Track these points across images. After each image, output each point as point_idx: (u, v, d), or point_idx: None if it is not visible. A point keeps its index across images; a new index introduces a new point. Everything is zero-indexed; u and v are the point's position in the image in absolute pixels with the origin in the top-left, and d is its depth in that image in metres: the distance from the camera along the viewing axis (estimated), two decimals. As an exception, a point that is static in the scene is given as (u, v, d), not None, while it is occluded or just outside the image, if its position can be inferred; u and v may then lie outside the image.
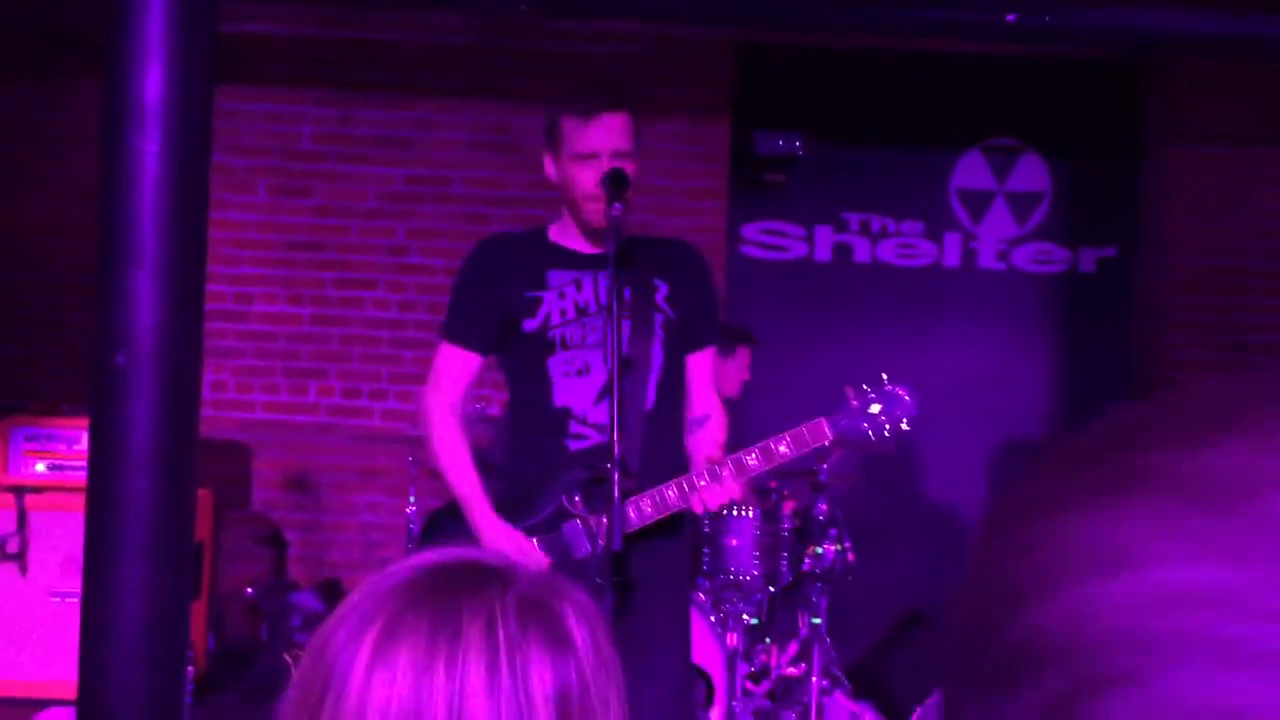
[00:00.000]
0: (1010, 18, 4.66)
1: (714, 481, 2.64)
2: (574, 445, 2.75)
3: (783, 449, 2.68)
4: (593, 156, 2.70)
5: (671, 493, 2.67)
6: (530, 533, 2.74)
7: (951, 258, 5.62)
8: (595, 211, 2.71)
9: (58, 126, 5.14)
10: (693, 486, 2.66)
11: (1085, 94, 5.57)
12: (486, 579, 0.91)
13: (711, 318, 2.91)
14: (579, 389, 2.76)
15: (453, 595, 0.89)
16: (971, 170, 5.62)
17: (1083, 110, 5.59)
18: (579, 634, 0.91)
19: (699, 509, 2.68)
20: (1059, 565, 0.43)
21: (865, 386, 2.78)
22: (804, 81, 5.52)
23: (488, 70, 5.35)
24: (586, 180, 2.71)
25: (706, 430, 2.84)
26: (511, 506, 2.75)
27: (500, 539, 2.69)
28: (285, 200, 5.34)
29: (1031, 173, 5.63)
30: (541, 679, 0.87)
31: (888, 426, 2.76)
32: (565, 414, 2.75)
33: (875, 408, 2.75)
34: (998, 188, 5.63)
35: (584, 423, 2.75)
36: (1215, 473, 0.42)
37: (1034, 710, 0.42)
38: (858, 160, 5.56)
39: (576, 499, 2.73)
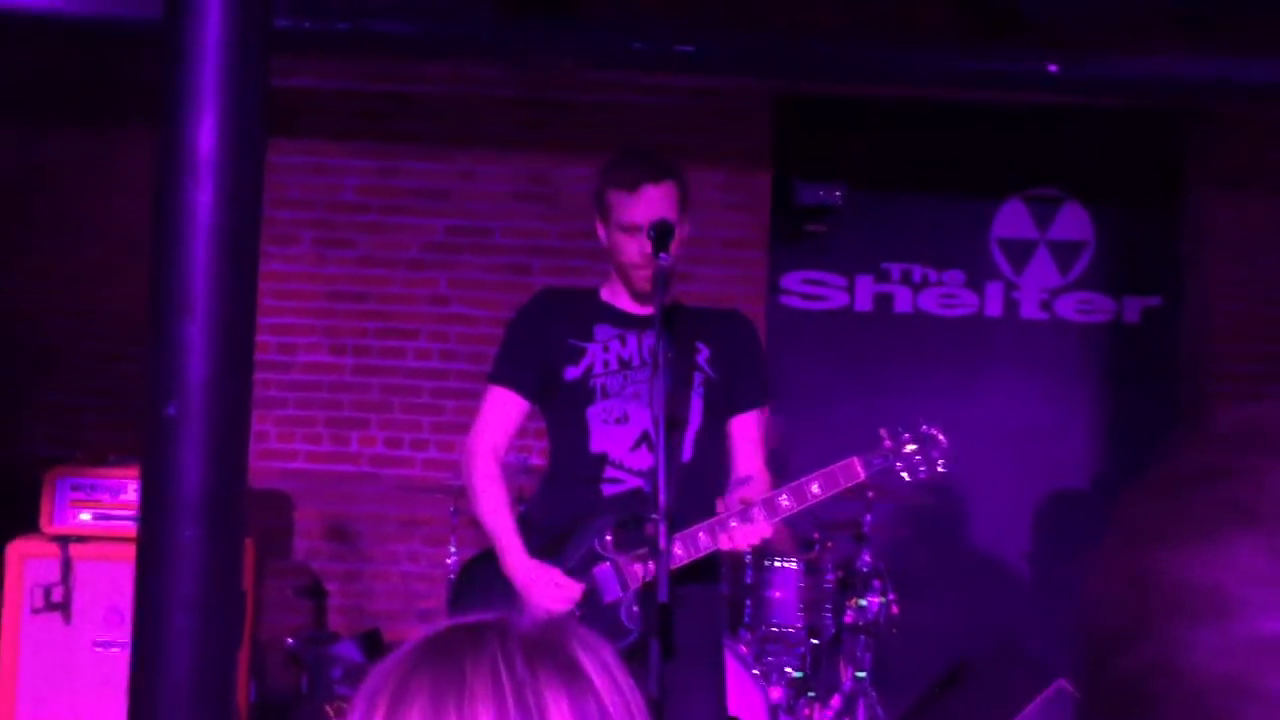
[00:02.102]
0: (1052, 68, 4.66)
1: (744, 522, 2.64)
2: (609, 490, 2.77)
3: (815, 489, 2.68)
4: (636, 229, 2.77)
5: (703, 535, 2.66)
6: (565, 574, 2.74)
7: (994, 307, 5.59)
8: (641, 278, 2.79)
9: (107, 174, 5.22)
10: (723, 526, 2.65)
11: (1126, 141, 5.55)
12: (484, 632, 0.92)
13: (757, 381, 2.93)
14: (616, 436, 2.78)
15: (453, 652, 0.90)
16: (1013, 219, 5.60)
17: (1124, 158, 5.57)
18: (592, 668, 0.91)
19: (727, 546, 2.66)
20: (1162, 606, 0.44)
21: (899, 428, 2.78)
22: (845, 131, 5.53)
23: (528, 122, 5.39)
24: (631, 251, 2.78)
25: (749, 487, 2.83)
26: (545, 551, 2.76)
27: (534, 579, 2.70)
28: (328, 251, 5.39)
29: (1074, 221, 5.60)
30: (559, 713, 0.86)
31: (922, 467, 2.75)
32: (602, 459, 2.78)
33: (910, 448, 2.74)
34: (1039, 237, 5.61)
35: (620, 468, 2.77)
36: None
37: None
38: (898, 210, 5.56)
39: (608, 540, 2.73)
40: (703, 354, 2.86)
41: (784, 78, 5.10)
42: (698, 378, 2.83)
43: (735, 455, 2.88)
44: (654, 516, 2.52)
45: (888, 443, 2.76)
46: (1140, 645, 0.44)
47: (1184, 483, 0.46)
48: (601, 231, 2.87)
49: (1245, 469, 0.44)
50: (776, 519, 2.68)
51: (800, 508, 2.69)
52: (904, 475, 2.75)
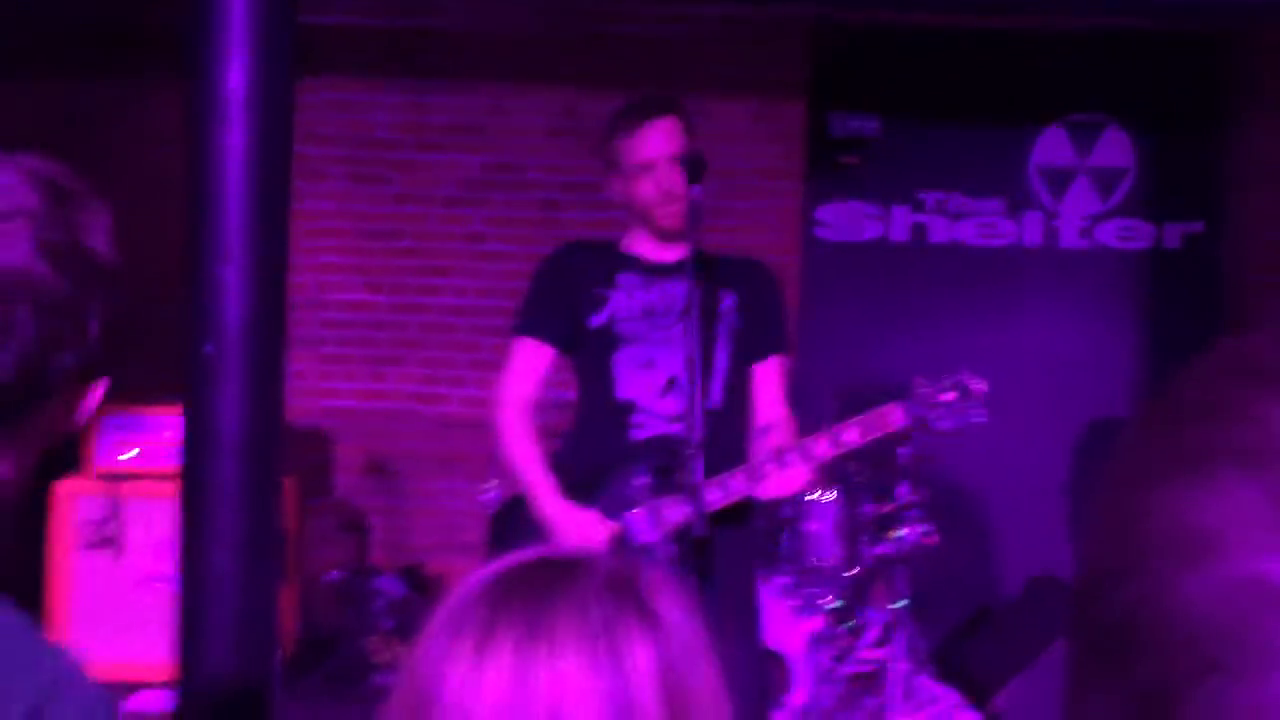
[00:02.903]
0: (1090, -10, 4.56)
1: (781, 468, 2.63)
2: (636, 435, 2.78)
3: (849, 436, 2.66)
4: (649, 166, 2.78)
5: (738, 480, 2.66)
6: (600, 513, 2.76)
7: (1032, 236, 5.53)
8: (664, 215, 2.79)
9: (136, 122, 5.23)
10: (760, 473, 2.65)
11: (1168, 66, 5.44)
12: (570, 569, 0.93)
13: (778, 329, 2.94)
14: (644, 381, 2.79)
15: (541, 589, 0.90)
16: (1052, 146, 5.52)
17: (1166, 83, 5.46)
18: (669, 611, 0.92)
19: (764, 493, 2.67)
20: (1152, 546, 0.43)
21: (940, 376, 2.76)
22: (879, 61, 5.45)
23: (557, 57, 5.35)
24: (648, 189, 2.79)
25: (771, 436, 2.85)
26: (576, 494, 2.78)
27: (571, 522, 2.71)
28: (362, 189, 5.40)
29: (1115, 148, 5.52)
30: (643, 655, 0.88)
31: (960, 416, 2.73)
32: (629, 406, 2.79)
33: (947, 395, 2.72)
34: (1079, 164, 5.53)
35: (648, 413, 2.78)
36: None
37: (1137, 691, 0.43)
38: (934, 139, 5.49)
39: (643, 483, 2.74)
40: (727, 301, 2.87)
41: (818, 4, 5.02)
42: (722, 325, 2.84)
43: (758, 402, 2.90)
44: (689, 451, 2.53)
45: (925, 389, 2.73)
46: (1129, 584, 0.44)
47: (1181, 418, 0.45)
48: (616, 186, 2.88)
49: (1243, 406, 0.43)
50: (812, 465, 2.68)
51: (836, 454, 2.69)
52: (941, 424, 2.73)
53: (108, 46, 5.28)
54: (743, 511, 2.78)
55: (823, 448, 2.66)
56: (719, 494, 2.65)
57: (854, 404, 2.88)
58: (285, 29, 2.53)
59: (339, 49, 5.32)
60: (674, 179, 2.77)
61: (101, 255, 0.88)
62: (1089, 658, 0.45)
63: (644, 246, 2.89)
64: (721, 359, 2.83)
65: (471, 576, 0.93)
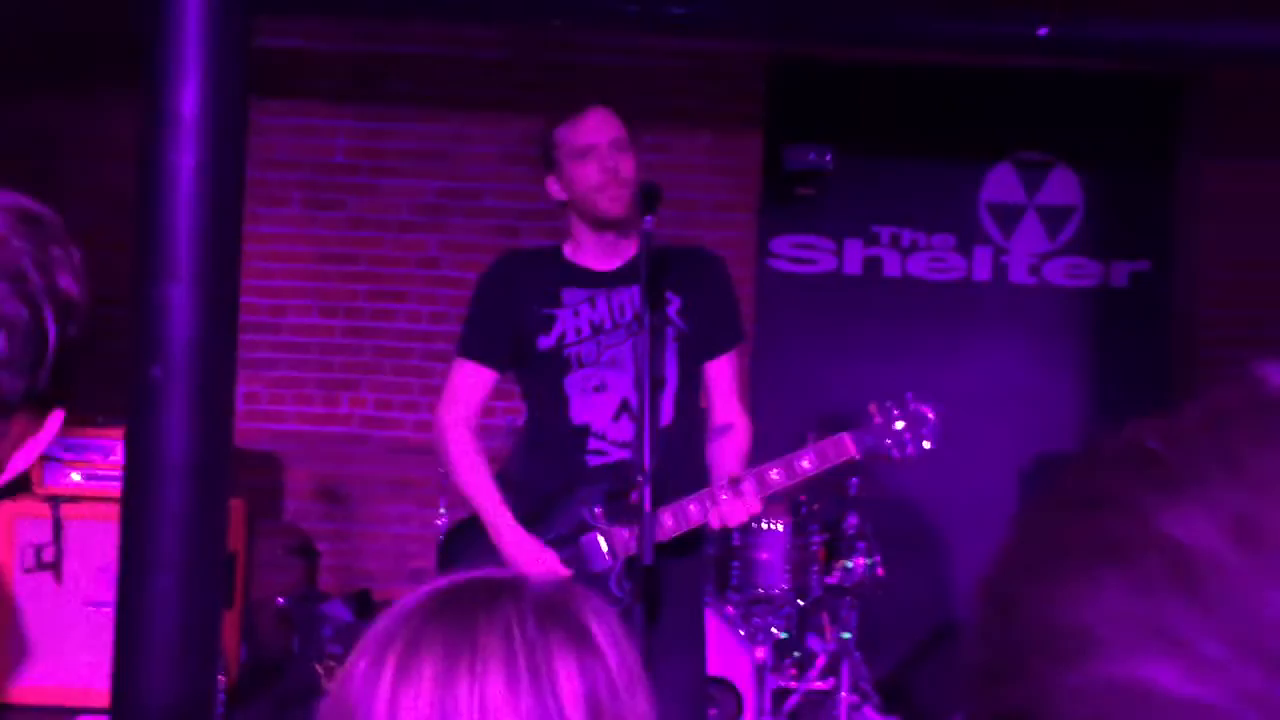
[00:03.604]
0: (1042, 31, 4.64)
1: (735, 496, 2.63)
2: (593, 461, 2.76)
3: (805, 464, 2.67)
4: (590, 150, 2.74)
5: (693, 507, 2.66)
6: (549, 545, 2.74)
7: (982, 271, 5.60)
8: (608, 199, 2.73)
9: (91, 139, 5.20)
10: (714, 501, 2.64)
11: (1117, 106, 5.55)
12: (499, 590, 0.92)
13: (728, 322, 2.89)
14: (597, 405, 2.76)
15: (468, 609, 0.90)
16: (1002, 184, 5.60)
17: (1115, 123, 5.56)
18: (602, 636, 0.91)
19: (717, 524, 2.66)
20: (1031, 644, 0.43)
21: (889, 404, 2.77)
22: (835, 95, 5.52)
23: (519, 84, 5.38)
24: (589, 173, 2.74)
25: (729, 440, 2.83)
26: (530, 520, 2.75)
27: (522, 551, 2.70)
28: (318, 213, 5.39)
29: (1063, 186, 5.61)
30: (569, 679, 0.87)
31: (911, 444, 2.75)
32: (584, 431, 2.76)
33: (899, 424, 2.74)
34: (1028, 201, 5.61)
35: (603, 439, 2.75)
36: (1186, 549, 0.39)
37: None
38: (888, 174, 5.55)
39: (597, 511, 2.73)
40: (673, 305, 2.80)
41: (775, 40, 5.08)
42: (670, 332, 2.79)
43: (713, 401, 2.86)
44: (639, 479, 2.53)
45: (878, 419, 2.73)
46: (1008, 685, 0.43)
47: (1059, 510, 0.45)
48: (554, 186, 2.82)
49: (1121, 499, 0.43)
50: (766, 494, 2.68)
51: (790, 483, 2.70)
52: (893, 452, 2.75)
53: (62, 60, 5.24)
54: (694, 539, 2.77)
55: (777, 476, 2.66)
56: (673, 522, 2.65)
57: (807, 433, 2.90)
58: (240, 51, 2.53)
59: (300, 73, 5.32)
60: (617, 161, 2.72)
61: (66, 287, 0.89)
62: None
63: (588, 253, 2.83)
64: (671, 371, 2.79)
65: (404, 597, 0.93)
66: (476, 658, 0.86)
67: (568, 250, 2.87)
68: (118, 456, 4.40)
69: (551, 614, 0.90)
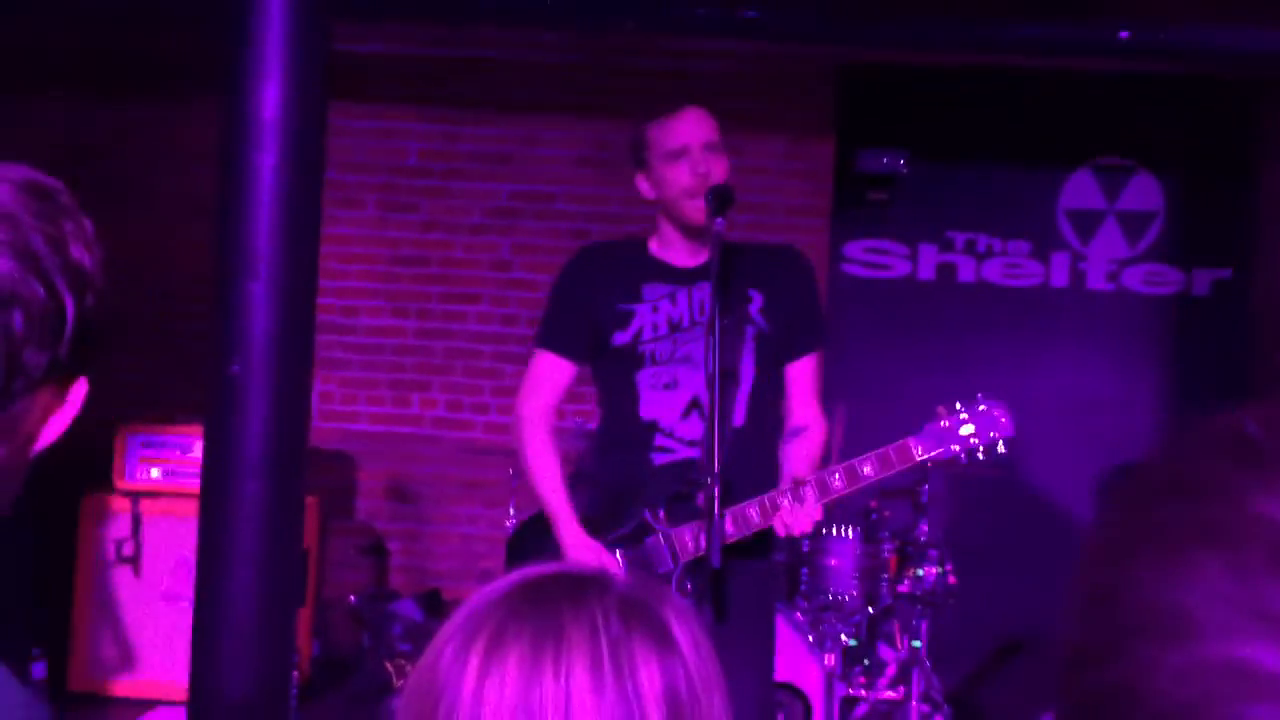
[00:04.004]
0: (1123, 35, 4.57)
1: (796, 502, 2.58)
2: (659, 459, 2.73)
3: (868, 469, 2.60)
4: (683, 152, 2.69)
5: (753, 511, 2.61)
6: (613, 546, 2.72)
7: (1059, 278, 5.52)
8: (695, 208, 2.68)
9: (173, 143, 5.30)
10: (775, 506, 2.60)
11: (1199, 111, 5.44)
12: (586, 585, 0.93)
13: (812, 324, 2.83)
14: (666, 402, 2.73)
15: (554, 602, 0.91)
16: (1081, 189, 5.52)
17: (1197, 128, 5.45)
18: (682, 635, 0.92)
19: (781, 532, 2.62)
20: (1128, 626, 0.43)
21: (958, 405, 2.68)
22: (909, 99, 5.47)
23: (590, 89, 5.40)
24: (680, 176, 2.69)
25: (802, 442, 2.78)
26: (596, 519, 2.74)
27: (583, 552, 2.69)
28: (392, 215, 5.45)
29: (1143, 192, 5.51)
30: (650, 677, 0.88)
31: (981, 448, 2.66)
32: (651, 427, 2.73)
33: (968, 429, 2.64)
34: (1108, 207, 5.52)
35: (670, 436, 2.72)
36: None
37: None
38: (963, 179, 5.49)
39: (660, 514, 2.70)
40: (755, 303, 2.76)
41: (848, 45, 5.04)
42: (749, 331, 2.74)
43: (791, 402, 2.81)
44: (708, 480, 2.50)
45: (944, 421, 2.64)
46: (1106, 665, 0.44)
47: (1155, 495, 0.45)
48: (643, 183, 2.78)
49: (1216, 484, 0.43)
50: (828, 499, 2.64)
51: (853, 489, 2.64)
52: (961, 457, 2.67)
53: (146, 66, 5.36)
54: (762, 544, 2.74)
55: (839, 482, 2.61)
56: (733, 526, 2.62)
57: (876, 440, 2.85)
58: (320, 55, 2.57)
59: (377, 77, 5.39)
60: (709, 165, 2.68)
61: (79, 259, 0.90)
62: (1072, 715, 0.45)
63: (673, 250, 2.79)
64: (747, 370, 2.75)
65: (488, 586, 0.94)
66: (562, 650, 0.87)
67: (653, 245, 2.84)
68: (196, 453, 4.48)
69: (635, 612, 0.90)
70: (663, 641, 0.90)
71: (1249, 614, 0.40)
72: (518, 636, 0.88)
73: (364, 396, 5.42)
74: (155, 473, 4.56)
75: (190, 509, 4.07)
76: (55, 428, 0.93)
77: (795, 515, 2.58)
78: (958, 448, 2.65)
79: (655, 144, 2.74)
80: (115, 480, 4.56)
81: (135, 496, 4.53)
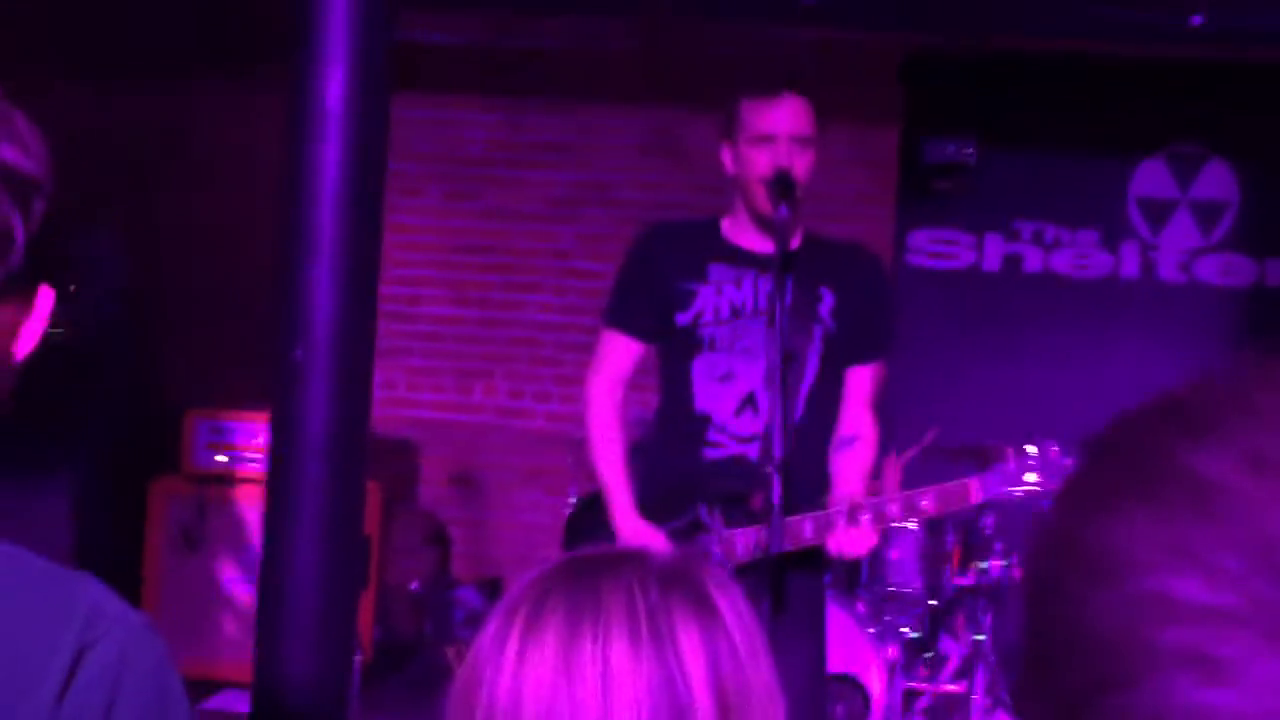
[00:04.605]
0: (1196, 20, 4.48)
1: (852, 525, 2.55)
2: (710, 454, 2.69)
3: (925, 504, 2.57)
4: (770, 139, 2.62)
5: (808, 527, 2.58)
6: (668, 537, 2.71)
7: (1129, 269, 5.42)
8: (764, 198, 2.62)
9: (242, 130, 5.37)
10: (830, 526, 2.56)
11: (1274, 98, 5.31)
12: (624, 559, 0.95)
13: (880, 332, 2.79)
14: (721, 395, 2.69)
15: (592, 574, 0.92)
16: (1152, 178, 5.41)
17: (1272, 115, 5.33)
18: (725, 605, 0.92)
19: (834, 552, 2.57)
20: (1067, 567, 0.49)
21: (1026, 450, 2.61)
22: (975, 86, 5.40)
23: (652, 77, 5.39)
24: (762, 163, 2.62)
25: (853, 453, 2.73)
26: (652, 508, 2.72)
27: (636, 535, 2.67)
28: (454, 204, 5.47)
29: (1217, 180, 5.39)
30: (691, 645, 0.88)
31: (1043, 498, 2.60)
32: (705, 420, 2.69)
33: (1031, 476, 2.58)
34: (1180, 196, 5.41)
35: (722, 431, 2.68)
36: (1204, 480, 0.46)
37: (1054, 701, 0.48)
38: (1030, 167, 5.41)
39: (716, 513, 2.68)
40: (826, 302, 2.71)
41: (911, 30, 4.99)
42: (817, 330, 2.70)
43: (847, 409, 2.77)
44: (768, 470, 2.48)
45: (1011, 464, 2.58)
46: (1049, 603, 0.49)
47: (1101, 454, 0.51)
48: (727, 156, 2.70)
49: (1149, 443, 0.49)
50: (883, 526, 2.59)
51: (908, 519, 2.63)
52: (1020, 500, 2.62)
53: (222, 51, 5.42)
54: (814, 560, 2.67)
55: (895, 511, 2.57)
56: (787, 540, 2.57)
57: (945, 428, 2.81)
58: (384, 43, 2.58)
59: (439, 67, 5.41)
60: (793, 158, 2.61)
61: (14, 163, 0.84)
62: (1026, 665, 0.51)
63: (746, 232, 2.73)
64: (811, 367, 2.70)
65: (532, 568, 0.95)
66: (600, 619, 0.88)
67: (725, 225, 2.78)
68: (261, 439, 4.53)
69: (674, 581, 0.91)
70: (704, 610, 0.90)
71: (1169, 551, 0.45)
72: (555, 608, 0.89)
73: (427, 385, 5.46)
74: (221, 458, 4.63)
75: (255, 495, 4.13)
76: (28, 339, 0.89)
77: (850, 538, 2.54)
78: (1020, 494, 2.59)
79: (746, 122, 2.66)
80: (183, 465, 4.63)
81: (202, 481, 4.59)
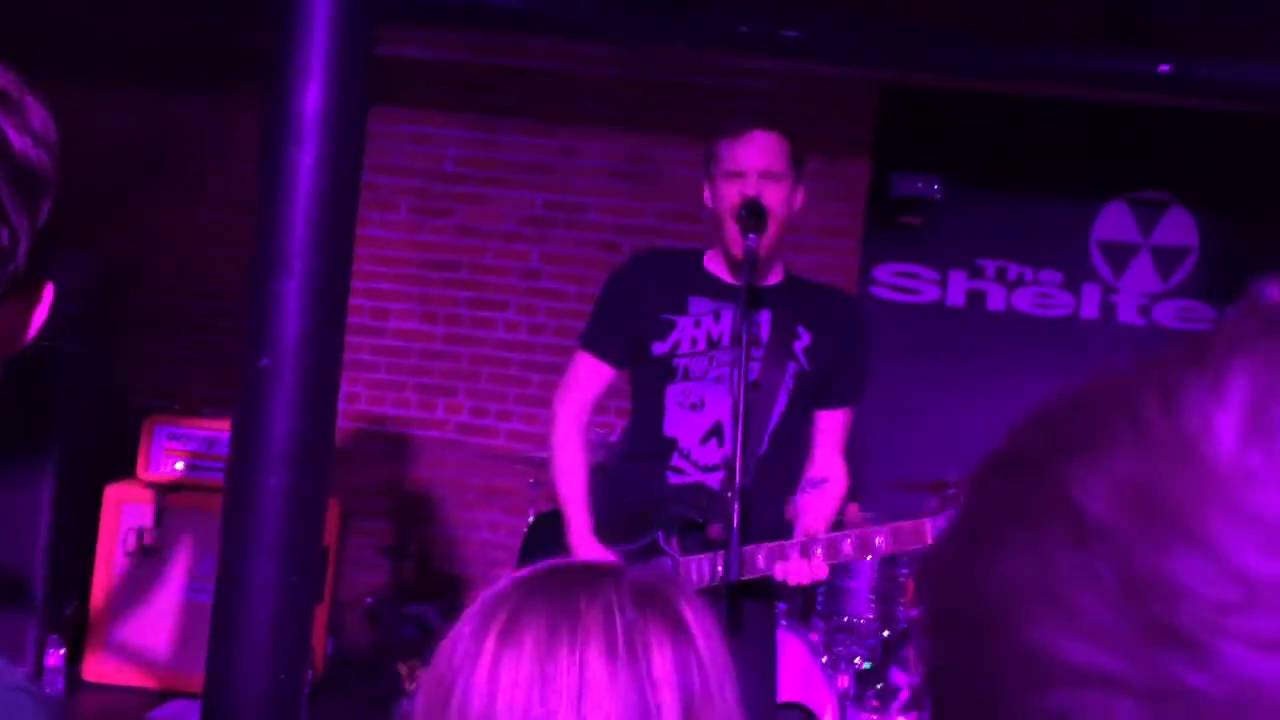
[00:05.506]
0: (1163, 69, 4.56)
1: (804, 558, 2.57)
2: (673, 479, 2.72)
3: (879, 541, 2.59)
4: (739, 175, 2.67)
5: (761, 557, 2.59)
6: (622, 559, 2.72)
7: (1090, 309, 5.50)
8: (733, 232, 2.66)
9: (223, 140, 5.35)
10: (782, 555, 2.58)
11: (1237, 147, 5.41)
12: (601, 574, 0.96)
13: (854, 378, 2.82)
14: (689, 422, 2.72)
15: (570, 587, 0.93)
16: (1115, 221, 5.50)
17: (1234, 164, 5.43)
18: (696, 625, 0.94)
19: (780, 577, 2.59)
20: (944, 610, 0.43)
21: None
22: (946, 124, 5.47)
23: (631, 102, 5.42)
24: (730, 197, 2.66)
25: (821, 495, 2.77)
26: (611, 530, 2.74)
27: (591, 556, 2.68)
28: (426, 220, 5.48)
29: (1178, 227, 5.48)
30: (664, 662, 0.89)
31: None
32: (671, 444, 2.73)
33: None
34: (1142, 241, 5.50)
35: (686, 458, 2.72)
36: (1091, 514, 0.39)
37: None
38: (996, 206, 5.48)
39: (673, 540, 2.70)
40: (802, 340, 2.75)
41: (891, 69, 5.05)
42: (791, 367, 2.73)
43: (816, 451, 2.80)
44: (728, 495, 2.51)
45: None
46: (936, 649, 0.44)
47: (991, 473, 0.45)
48: (707, 193, 2.75)
49: (1041, 468, 0.42)
50: (835, 562, 2.62)
51: (861, 557, 2.66)
52: None
53: (199, 61, 5.41)
54: (766, 589, 2.70)
55: (849, 549, 2.60)
56: (743, 569, 2.60)
57: (900, 464, 2.84)
58: (363, 55, 2.59)
59: (417, 82, 5.42)
60: (761, 189, 2.64)
61: (20, 149, 0.79)
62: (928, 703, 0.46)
63: (724, 267, 2.78)
64: (780, 402, 2.73)
65: (511, 573, 0.96)
66: (577, 632, 0.89)
67: (708, 258, 2.82)
68: (220, 446, 4.51)
69: (649, 599, 0.92)
70: (677, 629, 0.91)
71: (1048, 600, 0.39)
72: (534, 619, 0.90)
73: (390, 399, 5.45)
74: (180, 465, 4.60)
75: (213, 503, 4.10)
76: (29, 331, 0.87)
77: (799, 568, 2.57)
78: None
79: (720, 159, 2.72)
80: (140, 470, 4.60)
81: (159, 488, 4.56)
